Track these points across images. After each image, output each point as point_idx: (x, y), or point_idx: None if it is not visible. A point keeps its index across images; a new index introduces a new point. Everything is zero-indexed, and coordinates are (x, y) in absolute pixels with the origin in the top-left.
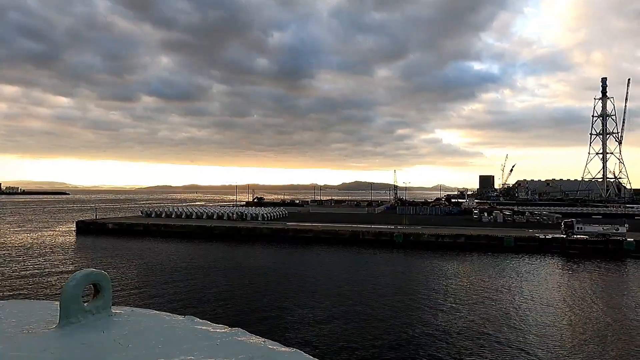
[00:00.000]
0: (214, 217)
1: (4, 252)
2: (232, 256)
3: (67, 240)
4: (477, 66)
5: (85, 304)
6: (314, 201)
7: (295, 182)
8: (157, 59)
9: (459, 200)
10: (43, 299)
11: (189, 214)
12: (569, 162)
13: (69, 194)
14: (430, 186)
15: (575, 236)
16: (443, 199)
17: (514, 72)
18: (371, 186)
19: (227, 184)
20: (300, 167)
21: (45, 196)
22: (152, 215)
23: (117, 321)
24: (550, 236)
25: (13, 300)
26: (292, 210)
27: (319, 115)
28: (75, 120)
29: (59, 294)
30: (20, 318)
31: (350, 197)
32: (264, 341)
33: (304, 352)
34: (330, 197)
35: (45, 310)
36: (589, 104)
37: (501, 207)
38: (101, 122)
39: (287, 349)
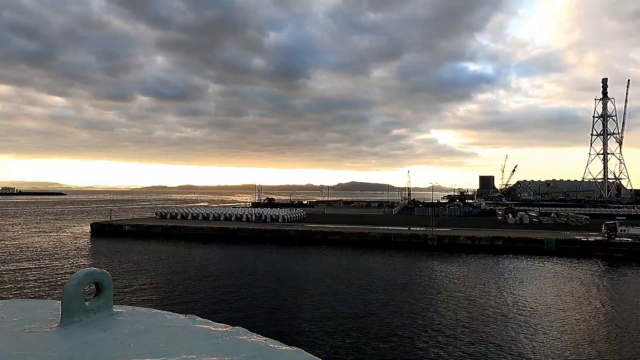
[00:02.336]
0: (232, 218)
1: (23, 255)
2: (262, 259)
3: (83, 242)
4: (472, 67)
5: (86, 303)
6: (321, 202)
7: (291, 183)
8: (153, 58)
9: (470, 200)
10: (45, 298)
11: (205, 215)
12: (565, 163)
13: (65, 194)
14: (426, 186)
15: (618, 239)
16: (457, 200)
17: (509, 73)
18: (388, 188)
19: (222, 184)
20: (297, 167)
21: (42, 197)
22: (167, 217)
23: (119, 320)
24: (592, 239)
25: (15, 299)
26: (306, 211)
27: (315, 115)
28: (70, 120)
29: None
30: (22, 317)
31: (357, 198)
32: (265, 340)
33: (305, 350)
34: (339, 198)
35: (47, 309)
36: (583, 105)
37: (521, 208)
38: (96, 122)
39: (288, 347)
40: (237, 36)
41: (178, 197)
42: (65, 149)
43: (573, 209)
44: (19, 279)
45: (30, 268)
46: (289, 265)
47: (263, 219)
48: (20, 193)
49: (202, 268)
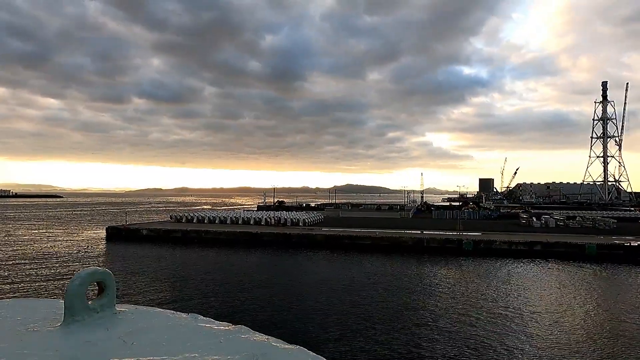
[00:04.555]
0: (251, 222)
1: (40, 260)
2: (294, 265)
3: (100, 247)
4: (466, 70)
5: (89, 302)
6: (329, 205)
7: (287, 185)
8: (149, 60)
9: (479, 203)
10: (48, 298)
11: (222, 219)
12: (560, 165)
13: (62, 196)
14: (422, 189)
15: None
16: (471, 203)
17: (503, 76)
18: (405, 192)
19: (218, 186)
20: (292, 170)
21: (39, 199)
22: (183, 221)
23: (122, 319)
24: (636, 244)
25: (18, 298)
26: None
27: (311, 117)
28: (64, 122)
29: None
30: (25, 316)
31: (365, 201)
32: (267, 338)
33: (307, 349)
34: (347, 201)
35: (50, 308)
36: (577, 108)
37: (541, 212)
38: (91, 124)
39: (290, 346)
40: (234, 39)
41: (176, 200)
42: (60, 151)
43: (597, 212)
44: (36, 284)
45: (48, 273)
46: (323, 271)
47: (283, 222)
48: (16, 195)
49: (233, 274)
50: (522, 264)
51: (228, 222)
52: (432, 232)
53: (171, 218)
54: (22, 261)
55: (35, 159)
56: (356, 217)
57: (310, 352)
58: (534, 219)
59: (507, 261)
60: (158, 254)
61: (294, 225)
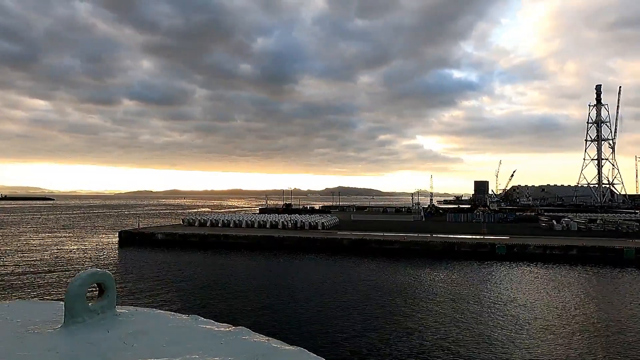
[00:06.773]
0: (267, 225)
1: (57, 268)
2: (329, 270)
3: (113, 252)
4: (456, 74)
5: (89, 304)
6: (333, 207)
7: (278, 187)
8: (139, 62)
9: (489, 206)
10: (48, 299)
11: (237, 222)
12: (549, 168)
13: (53, 199)
14: (413, 191)
15: None
16: (481, 205)
17: (492, 80)
18: (416, 194)
19: (209, 189)
20: (283, 172)
21: (31, 202)
22: (195, 224)
23: (122, 320)
24: None
25: (18, 300)
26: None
27: (302, 120)
28: (53, 124)
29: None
30: (25, 318)
31: (371, 204)
32: (268, 340)
33: (308, 350)
34: (352, 204)
35: (51, 310)
36: (565, 112)
37: (556, 215)
38: (80, 126)
39: (291, 347)
40: (225, 41)
41: (171, 202)
42: (48, 153)
43: (617, 215)
44: (56, 292)
45: (64, 280)
46: (356, 277)
47: (299, 226)
48: (5, 198)
49: (262, 279)
50: (564, 269)
51: (243, 225)
52: (459, 236)
53: (183, 222)
54: (38, 268)
55: (22, 161)
56: (369, 220)
57: (312, 354)
58: (555, 222)
59: (547, 266)
60: (178, 259)
61: (312, 228)
